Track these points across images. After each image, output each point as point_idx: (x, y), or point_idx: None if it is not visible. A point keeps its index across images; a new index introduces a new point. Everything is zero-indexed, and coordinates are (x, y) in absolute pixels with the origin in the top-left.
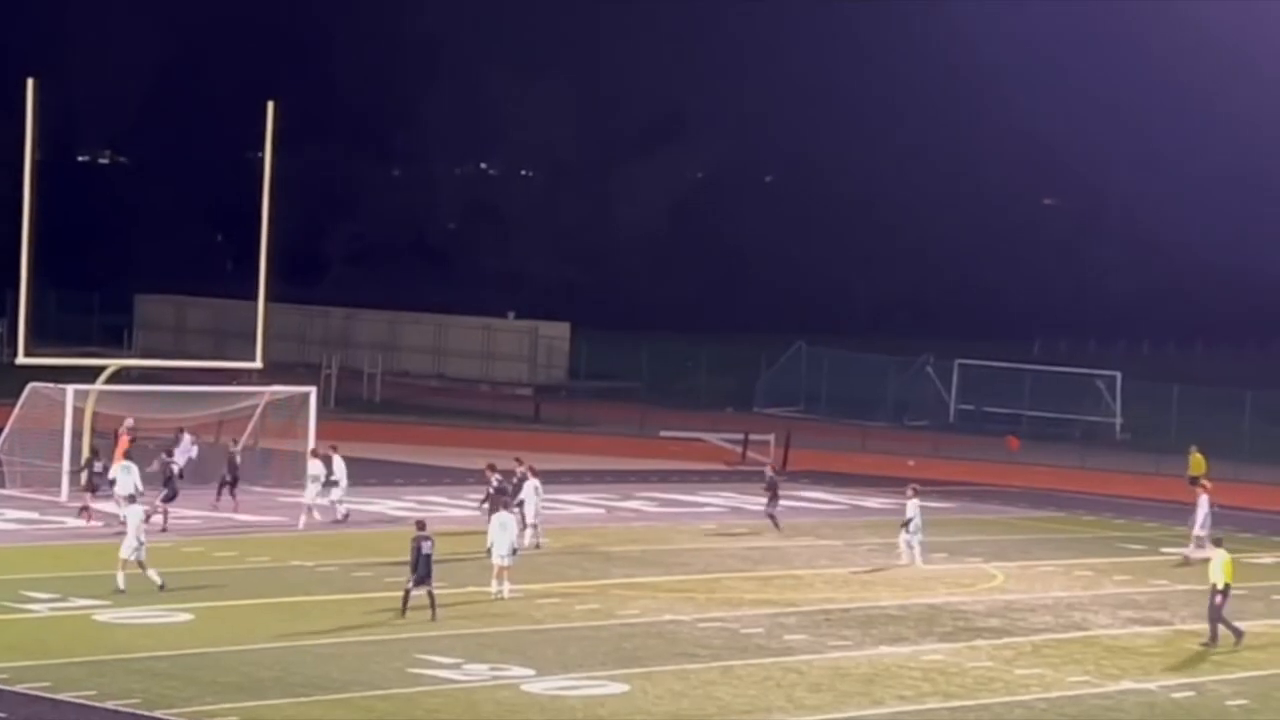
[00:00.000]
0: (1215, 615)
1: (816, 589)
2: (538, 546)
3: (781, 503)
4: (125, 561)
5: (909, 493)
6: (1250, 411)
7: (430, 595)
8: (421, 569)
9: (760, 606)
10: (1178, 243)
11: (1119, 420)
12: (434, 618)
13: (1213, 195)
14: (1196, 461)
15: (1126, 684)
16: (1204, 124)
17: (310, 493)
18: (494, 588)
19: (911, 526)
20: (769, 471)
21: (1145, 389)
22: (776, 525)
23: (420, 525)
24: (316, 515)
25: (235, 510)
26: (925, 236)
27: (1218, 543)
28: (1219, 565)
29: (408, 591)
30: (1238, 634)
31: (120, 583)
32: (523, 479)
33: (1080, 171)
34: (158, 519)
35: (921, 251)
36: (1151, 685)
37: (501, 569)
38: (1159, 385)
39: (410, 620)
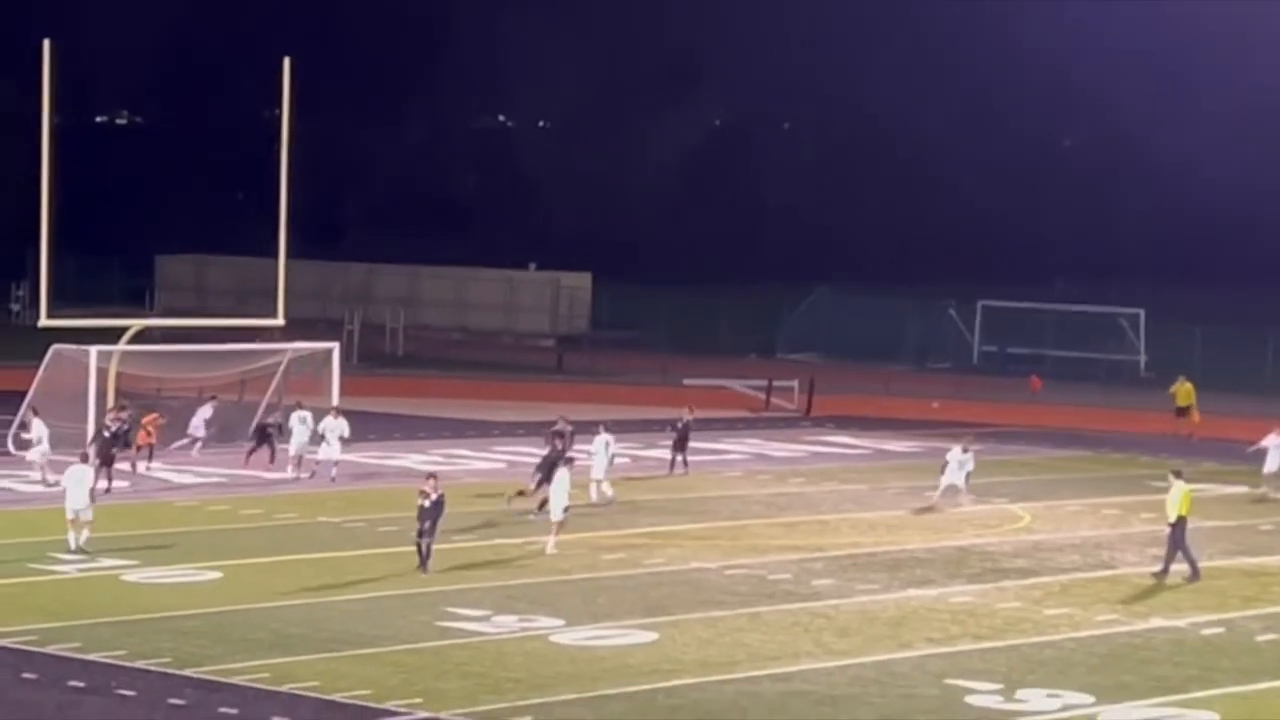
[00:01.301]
0: (1179, 546)
1: (843, 533)
2: (609, 502)
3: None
4: (75, 521)
5: (966, 441)
6: (1273, 350)
7: (426, 548)
8: (424, 520)
9: (787, 552)
10: (1198, 180)
11: (1143, 358)
12: (423, 570)
13: (1235, 133)
14: (1185, 392)
15: (1156, 621)
16: (1227, 60)
17: (295, 444)
18: (551, 544)
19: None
20: (686, 416)
21: (1168, 327)
22: (682, 467)
23: (429, 478)
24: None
25: (266, 468)
26: (945, 179)
27: (1178, 474)
28: (1176, 497)
29: (419, 544)
30: (1163, 573)
31: (73, 543)
32: (571, 435)
33: (1100, 112)
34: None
35: (941, 194)
36: (1181, 622)
37: (557, 524)
38: (1182, 323)
39: (436, 574)
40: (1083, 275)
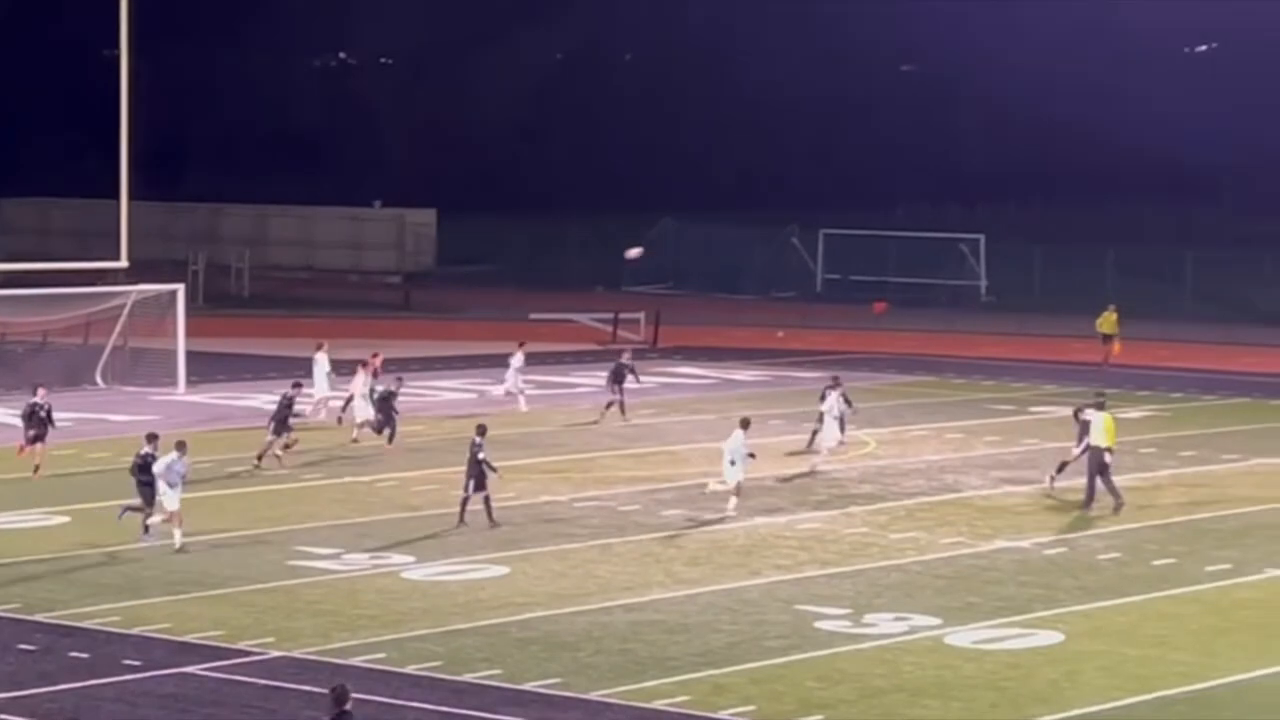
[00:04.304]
0: (1103, 476)
1: (692, 464)
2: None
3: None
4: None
5: None
6: (1112, 267)
7: (485, 501)
8: (473, 474)
9: (636, 484)
10: (1036, 105)
11: (984, 283)
12: (491, 523)
13: (1069, 56)
14: (1109, 321)
15: (1000, 543)
16: None
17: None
18: (713, 485)
19: None
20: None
21: (1008, 250)
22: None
23: (479, 430)
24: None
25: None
26: (784, 106)
27: (1100, 406)
28: (1101, 427)
29: (465, 499)
30: (1118, 498)
31: (178, 541)
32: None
33: (937, 37)
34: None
35: (781, 122)
36: (1024, 543)
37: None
38: (1022, 246)
39: (287, 512)
40: (924, 201)
